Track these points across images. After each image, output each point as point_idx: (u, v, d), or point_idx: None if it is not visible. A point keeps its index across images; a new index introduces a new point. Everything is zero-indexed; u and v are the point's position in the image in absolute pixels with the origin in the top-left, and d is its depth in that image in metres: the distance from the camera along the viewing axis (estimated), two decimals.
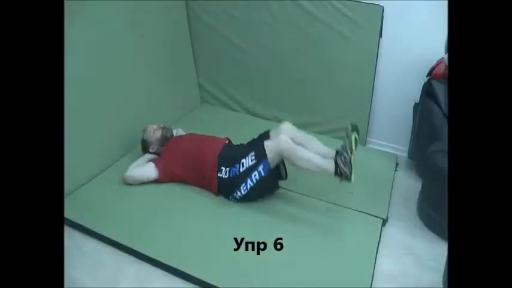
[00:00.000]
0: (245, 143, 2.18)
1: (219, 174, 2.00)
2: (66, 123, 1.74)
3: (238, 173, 1.94)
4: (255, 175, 1.90)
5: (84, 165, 2.13)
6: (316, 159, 1.84)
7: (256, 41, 2.67)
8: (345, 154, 1.77)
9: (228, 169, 1.98)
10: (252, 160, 1.91)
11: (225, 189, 2.01)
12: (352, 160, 1.75)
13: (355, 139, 1.80)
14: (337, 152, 1.83)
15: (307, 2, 2.37)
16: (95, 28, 2.05)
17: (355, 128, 1.83)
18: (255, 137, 2.14)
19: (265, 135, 2.06)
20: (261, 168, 1.88)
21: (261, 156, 1.88)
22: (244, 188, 1.93)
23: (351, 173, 1.75)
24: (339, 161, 1.78)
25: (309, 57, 2.56)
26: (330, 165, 1.81)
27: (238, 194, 1.96)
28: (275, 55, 2.66)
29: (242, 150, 2.02)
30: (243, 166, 1.93)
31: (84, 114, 2.06)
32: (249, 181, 1.92)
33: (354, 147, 1.78)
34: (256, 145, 1.97)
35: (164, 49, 2.63)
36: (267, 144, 1.90)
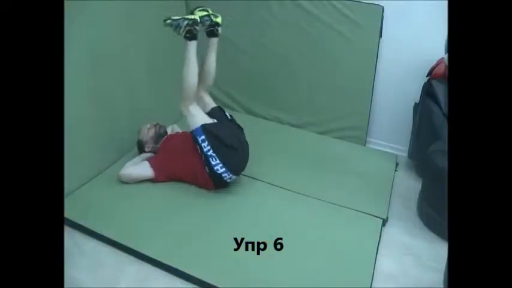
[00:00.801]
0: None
1: (207, 169, 2.00)
2: (66, 123, 1.75)
3: (203, 158, 1.96)
4: (204, 147, 1.94)
5: (84, 165, 2.13)
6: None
7: (256, 41, 2.67)
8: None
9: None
10: (200, 143, 1.96)
11: (215, 178, 2.00)
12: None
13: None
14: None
15: (307, 2, 2.38)
16: (95, 28, 2.05)
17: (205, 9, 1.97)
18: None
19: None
20: (201, 138, 1.93)
21: (195, 133, 1.96)
22: (214, 160, 1.94)
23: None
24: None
25: (309, 57, 2.56)
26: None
27: (219, 167, 1.95)
28: (275, 55, 2.66)
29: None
30: (202, 153, 1.96)
31: (84, 114, 2.06)
32: (209, 154, 1.94)
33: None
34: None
35: (164, 49, 2.63)
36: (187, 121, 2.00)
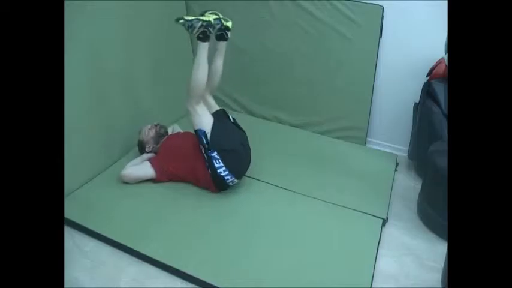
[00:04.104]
0: None
1: (209, 172, 2.00)
2: (66, 123, 1.75)
3: (207, 164, 1.97)
4: (208, 151, 1.94)
5: (84, 165, 2.13)
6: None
7: (256, 41, 2.67)
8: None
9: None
10: (201, 146, 1.97)
11: (218, 180, 2.00)
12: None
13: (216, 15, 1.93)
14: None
15: (307, 2, 2.38)
16: (95, 27, 2.05)
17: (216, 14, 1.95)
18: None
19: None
20: (203, 143, 1.94)
21: (197, 133, 1.96)
22: (218, 163, 1.94)
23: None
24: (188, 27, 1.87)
25: (308, 57, 2.56)
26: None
27: (223, 171, 1.96)
28: (275, 55, 2.66)
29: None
30: (204, 156, 1.97)
31: (84, 114, 2.06)
32: (213, 158, 1.94)
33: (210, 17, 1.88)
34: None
35: (164, 49, 2.63)
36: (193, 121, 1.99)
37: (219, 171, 1.95)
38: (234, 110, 3.01)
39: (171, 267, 1.67)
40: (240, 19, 2.63)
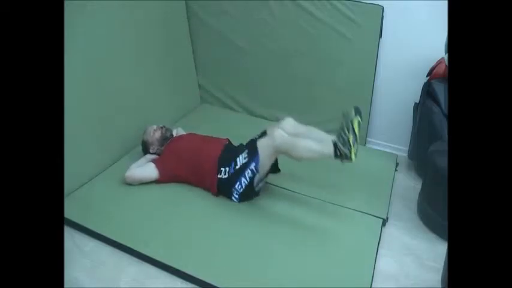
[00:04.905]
0: (245, 143, 2.18)
1: (218, 176, 2.00)
2: (66, 123, 1.75)
3: (233, 171, 1.95)
4: (247, 173, 1.92)
5: (84, 165, 2.13)
6: (314, 145, 1.80)
7: (256, 41, 2.67)
8: (343, 135, 1.72)
9: (227, 169, 1.99)
10: (244, 158, 1.92)
11: (225, 189, 2.02)
12: (351, 140, 1.70)
13: (358, 122, 1.75)
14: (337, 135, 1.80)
15: (307, 2, 2.37)
16: (95, 28, 2.05)
17: (358, 112, 1.79)
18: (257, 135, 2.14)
19: (263, 133, 2.05)
20: (252, 165, 1.90)
21: (252, 153, 1.89)
22: (239, 186, 1.95)
23: (350, 152, 1.70)
24: (337, 142, 1.73)
25: (308, 57, 2.56)
26: (329, 148, 1.75)
27: (235, 192, 1.97)
28: (275, 55, 2.66)
29: (238, 150, 2.03)
30: (236, 164, 1.94)
31: (84, 113, 2.06)
32: (243, 179, 1.93)
33: (357, 129, 1.72)
34: (250, 143, 1.98)
35: (164, 49, 2.63)
36: (261, 141, 1.89)
37: (234, 187, 1.96)
38: (234, 109, 3.01)
39: (171, 267, 1.67)
40: (240, 19, 2.64)
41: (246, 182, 1.93)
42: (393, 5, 2.21)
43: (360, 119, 1.77)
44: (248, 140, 2.15)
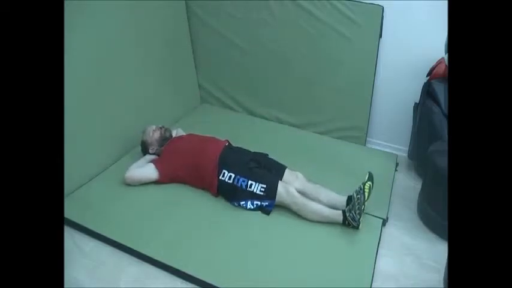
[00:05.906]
0: (244, 145, 2.21)
1: (221, 177, 2.00)
2: (66, 123, 1.75)
3: (244, 187, 1.95)
4: (257, 203, 1.95)
5: (84, 165, 2.13)
6: (325, 211, 1.89)
7: (256, 41, 2.67)
8: (353, 213, 1.81)
9: (232, 175, 1.98)
10: (260, 191, 1.93)
11: (225, 193, 2.03)
12: (361, 217, 1.81)
13: (369, 187, 1.86)
14: (348, 202, 1.91)
15: (307, 2, 2.37)
16: (95, 28, 2.05)
17: (370, 178, 1.90)
18: (264, 152, 2.17)
19: (280, 171, 2.07)
20: (266, 204, 1.94)
21: (271, 195, 1.92)
22: (244, 204, 1.97)
23: (358, 226, 1.83)
24: (348, 215, 1.83)
25: (309, 57, 2.56)
26: (338, 217, 1.87)
27: (236, 204, 1.99)
28: (275, 55, 2.66)
29: (246, 157, 2.06)
30: (250, 187, 1.95)
31: (84, 114, 2.06)
32: (249, 203, 1.96)
33: (367, 192, 1.83)
34: (271, 181, 1.96)
35: (164, 49, 2.63)
36: (280, 189, 1.91)
37: (242, 203, 1.98)
38: (234, 109, 3.01)
39: (171, 267, 1.67)
40: (240, 19, 2.64)
41: (252, 207, 1.96)
42: (393, 5, 2.21)
43: (371, 184, 1.88)
44: (248, 140, 2.14)
